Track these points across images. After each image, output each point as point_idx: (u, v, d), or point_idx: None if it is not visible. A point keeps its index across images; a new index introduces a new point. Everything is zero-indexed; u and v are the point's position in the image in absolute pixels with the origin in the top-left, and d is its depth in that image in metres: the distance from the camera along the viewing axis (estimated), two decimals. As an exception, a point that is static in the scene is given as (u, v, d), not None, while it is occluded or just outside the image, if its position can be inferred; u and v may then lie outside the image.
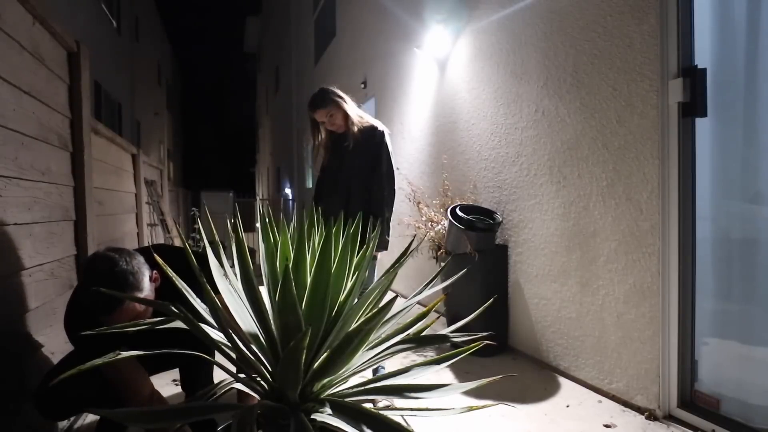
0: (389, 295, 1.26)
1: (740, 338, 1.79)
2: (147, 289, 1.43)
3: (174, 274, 1.19)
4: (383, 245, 2.39)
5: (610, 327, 2.12)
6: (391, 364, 2.08)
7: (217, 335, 1.17)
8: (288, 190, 13.49)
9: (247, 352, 1.18)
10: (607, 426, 1.88)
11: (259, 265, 1.24)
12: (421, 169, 4.13)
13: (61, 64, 2.17)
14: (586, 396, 2.18)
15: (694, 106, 1.78)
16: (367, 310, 1.21)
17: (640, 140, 1.95)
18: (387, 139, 2.45)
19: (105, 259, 1.38)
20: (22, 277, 1.66)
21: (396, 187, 2.49)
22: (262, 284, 1.21)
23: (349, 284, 1.20)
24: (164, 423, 1.04)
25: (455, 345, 1.27)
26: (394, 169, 2.46)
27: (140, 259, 1.46)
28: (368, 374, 2.11)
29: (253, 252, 5.89)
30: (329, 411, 1.09)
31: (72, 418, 1.91)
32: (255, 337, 1.18)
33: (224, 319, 1.11)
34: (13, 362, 1.57)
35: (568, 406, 2.08)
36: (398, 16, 4.53)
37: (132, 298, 1.33)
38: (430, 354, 2.52)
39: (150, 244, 4.75)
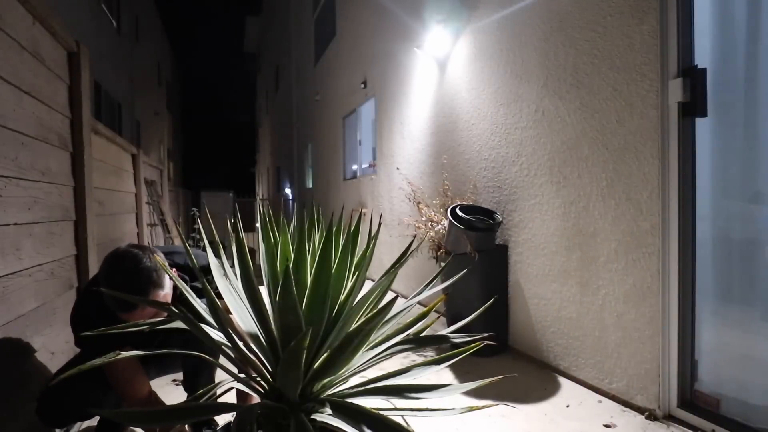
0: (389, 296, 1.26)
1: (740, 338, 1.79)
2: (168, 286, 1.45)
3: (175, 275, 1.19)
4: None
5: (610, 327, 2.12)
6: (391, 364, 2.08)
7: (217, 335, 1.17)
8: (288, 190, 13.48)
9: (248, 353, 1.18)
10: (607, 426, 1.88)
11: (259, 265, 1.24)
12: (421, 169, 4.13)
13: (61, 64, 2.17)
14: (586, 396, 2.18)
15: (694, 106, 1.78)
16: (368, 311, 1.21)
17: (640, 140, 1.95)
18: None
19: (129, 256, 1.40)
20: (22, 277, 1.66)
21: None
22: (262, 284, 1.21)
23: (349, 284, 1.19)
24: (164, 423, 1.04)
25: (455, 345, 1.27)
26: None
27: (161, 256, 1.48)
28: (369, 374, 2.12)
29: (253, 252, 5.89)
30: (329, 411, 1.09)
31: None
32: (255, 337, 1.18)
33: (225, 320, 1.11)
34: (12, 362, 1.57)
35: (568, 406, 2.08)
36: (398, 16, 4.53)
37: (148, 302, 1.34)
38: (430, 354, 2.52)
39: (150, 244, 4.75)
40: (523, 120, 2.70)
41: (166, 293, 1.44)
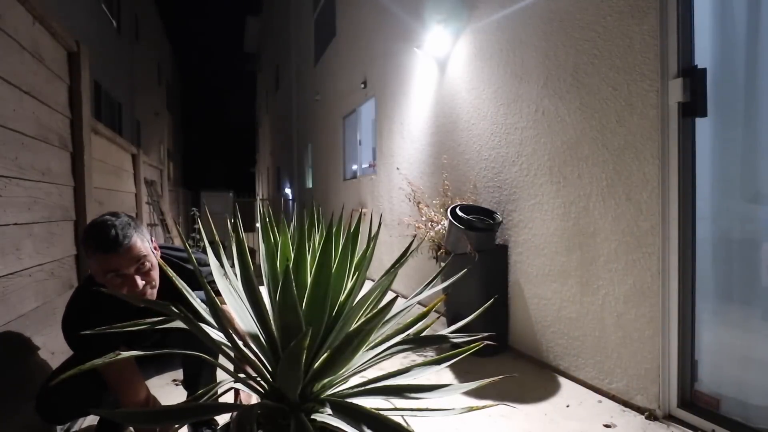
0: (389, 296, 1.26)
1: (740, 338, 1.79)
2: (148, 240, 1.47)
3: (174, 274, 1.19)
4: None
5: (610, 327, 2.12)
6: (391, 364, 2.08)
7: (217, 335, 1.17)
8: (288, 190, 13.48)
9: (248, 352, 1.18)
10: (607, 426, 1.88)
11: (260, 265, 1.24)
12: (421, 169, 4.13)
13: (61, 64, 2.17)
14: (586, 396, 2.18)
15: (694, 106, 1.78)
16: (368, 311, 1.21)
17: (640, 140, 1.95)
18: None
19: (105, 213, 1.43)
20: (22, 277, 1.66)
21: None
22: (263, 284, 1.21)
23: (349, 284, 1.19)
24: (164, 423, 1.04)
25: (455, 345, 1.27)
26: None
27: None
28: (369, 374, 2.12)
29: (253, 252, 5.89)
30: (329, 411, 1.09)
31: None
32: (255, 337, 1.18)
33: (225, 320, 1.11)
34: (13, 362, 1.57)
35: (568, 406, 2.08)
36: (398, 16, 4.53)
37: (146, 303, 1.34)
38: (430, 354, 2.51)
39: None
40: (523, 120, 2.70)
41: (148, 248, 1.44)
